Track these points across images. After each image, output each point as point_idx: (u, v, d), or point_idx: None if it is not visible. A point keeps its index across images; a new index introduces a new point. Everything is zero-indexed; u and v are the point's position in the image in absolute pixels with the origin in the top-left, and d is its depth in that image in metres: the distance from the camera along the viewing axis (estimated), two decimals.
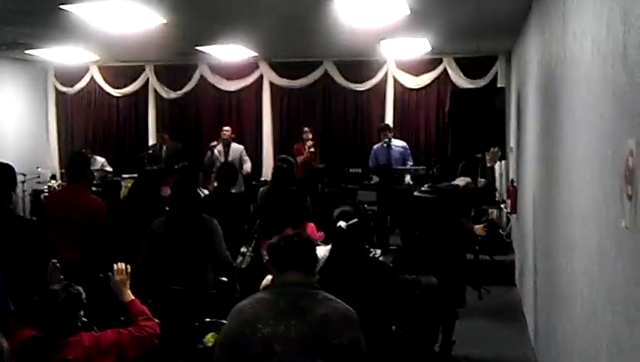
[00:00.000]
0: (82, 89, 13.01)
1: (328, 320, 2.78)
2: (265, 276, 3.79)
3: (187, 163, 10.73)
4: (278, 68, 12.17)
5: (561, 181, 4.18)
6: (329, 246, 3.79)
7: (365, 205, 4.45)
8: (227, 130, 11.02)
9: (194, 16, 7.62)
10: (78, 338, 3.19)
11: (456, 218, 6.14)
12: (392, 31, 8.43)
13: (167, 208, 5.62)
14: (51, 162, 12.82)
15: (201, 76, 12.42)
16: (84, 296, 3.25)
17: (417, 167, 10.07)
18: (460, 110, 9.16)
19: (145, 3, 6.57)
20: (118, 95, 12.94)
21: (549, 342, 4.78)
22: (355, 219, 3.68)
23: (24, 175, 10.19)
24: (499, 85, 10.86)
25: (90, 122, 13.19)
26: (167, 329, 3.77)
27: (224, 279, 5.31)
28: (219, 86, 12.46)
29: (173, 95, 12.68)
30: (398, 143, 10.57)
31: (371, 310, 3.35)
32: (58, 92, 13.17)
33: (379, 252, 4.93)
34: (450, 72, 11.40)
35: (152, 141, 12.40)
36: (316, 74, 12.01)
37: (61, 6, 6.69)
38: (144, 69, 12.66)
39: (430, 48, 9.98)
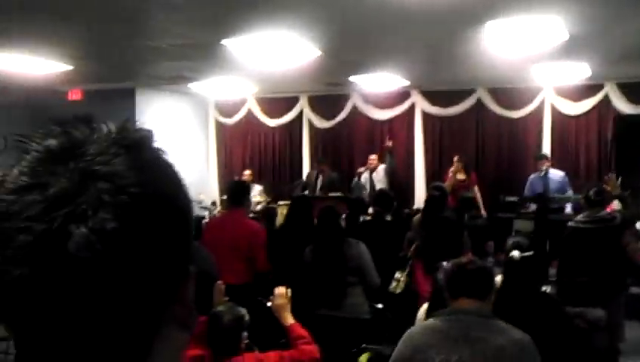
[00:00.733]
0: (240, 120, 13.55)
1: (504, 352, 2.69)
2: (417, 302, 3.75)
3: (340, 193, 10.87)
4: (430, 96, 12.10)
5: None
6: (498, 277, 3.69)
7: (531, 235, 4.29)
8: (373, 159, 11.14)
9: (348, 46, 7.76)
10: (241, 359, 3.27)
11: (616, 248, 5.80)
12: (548, 56, 8.17)
13: None
14: (211, 189, 13.38)
15: (354, 105, 12.58)
16: (247, 317, 3.34)
17: (578, 196, 9.62)
18: (625, 136, 8.70)
19: (302, 35, 6.76)
20: (274, 125, 13.36)
21: None
22: (531, 252, 3.55)
23: None
24: None
25: (247, 151, 13.70)
26: (325, 356, 3.79)
27: (379, 306, 5.30)
28: (371, 115, 12.57)
29: (326, 124, 12.92)
30: (556, 173, 10.17)
31: (541, 346, 3.21)
32: (218, 123, 13.80)
33: (549, 288, 4.75)
34: (612, 97, 10.84)
35: (306, 169, 12.70)
36: (469, 101, 11.83)
37: (222, 41, 7.03)
38: (298, 100, 13.01)
39: (590, 73, 9.58)
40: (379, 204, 6.71)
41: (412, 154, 12.43)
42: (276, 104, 13.26)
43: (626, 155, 8.50)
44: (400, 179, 12.01)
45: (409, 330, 2.94)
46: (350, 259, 5.23)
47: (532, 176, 10.32)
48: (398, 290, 5.55)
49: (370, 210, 7.78)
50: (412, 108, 12.32)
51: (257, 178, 12.55)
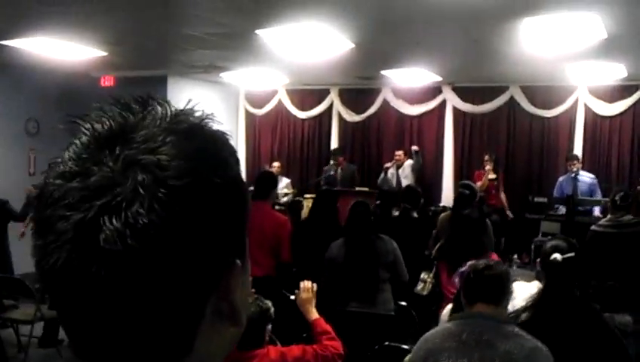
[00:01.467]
0: (270, 111, 13.56)
1: (511, 358, 2.66)
2: (442, 302, 3.72)
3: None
4: (462, 92, 11.99)
5: None
6: (534, 283, 3.63)
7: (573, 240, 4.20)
8: (399, 155, 11.12)
9: (381, 39, 7.72)
10: (265, 351, 3.27)
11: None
12: (584, 55, 8.06)
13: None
14: None
15: (384, 100, 12.52)
16: (272, 310, 3.34)
17: (608, 199, 9.50)
18: None
19: (336, 27, 6.73)
20: (304, 117, 13.35)
21: None
22: (572, 253, 3.48)
23: None
24: None
25: (276, 142, 13.71)
26: (348, 352, 3.77)
27: (403, 303, 5.28)
28: (401, 110, 12.50)
29: (356, 118, 12.88)
30: (586, 175, 10.06)
31: (582, 353, 3.16)
32: (248, 113, 13.83)
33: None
34: None
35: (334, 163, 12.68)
36: (501, 99, 11.70)
37: (256, 30, 7.03)
38: (329, 92, 12.98)
39: (626, 74, 9.43)
40: (406, 200, 6.67)
41: (441, 150, 12.33)
42: (307, 96, 13.25)
43: None
44: (428, 176, 11.95)
45: (425, 334, 2.94)
46: (383, 255, 5.21)
47: (562, 178, 10.22)
48: (425, 292, 5.52)
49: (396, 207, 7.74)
50: (443, 104, 12.23)
51: (285, 170, 12.55)
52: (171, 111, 0.72)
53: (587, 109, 11.22)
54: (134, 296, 0.64)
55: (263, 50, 8.09)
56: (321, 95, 13.06)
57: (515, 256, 9.63)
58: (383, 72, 10.25)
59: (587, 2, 5.52)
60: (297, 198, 10.55)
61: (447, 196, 11.81)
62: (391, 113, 12.65)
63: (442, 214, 6.77)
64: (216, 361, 0.76)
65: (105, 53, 8.78)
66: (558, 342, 2.82)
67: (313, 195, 9.17)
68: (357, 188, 10.53)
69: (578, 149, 11.09)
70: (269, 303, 3.36)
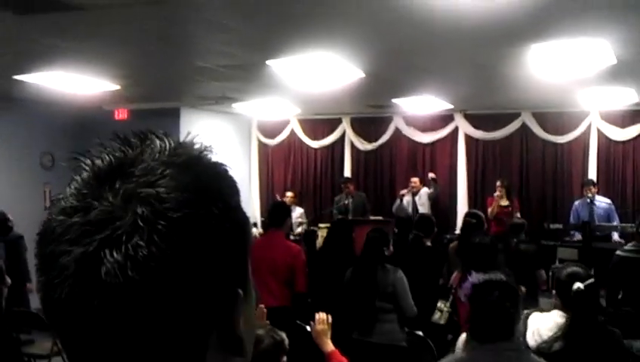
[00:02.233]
0: (283, 141, 13.61)
1: None
2: (459, 332, 3.68)
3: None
4: (474, 120, 12.00)
5: None
6: (555, 311, 3.57)
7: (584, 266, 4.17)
8: (415, 182, 11.10)
9: (391, 68, 7.76)
10: None
11: None
12: (594, 81, 8.06)
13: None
14: (253, 210, 13.42)
15: (396, 128, 12.54)
16: (287, 342, 3.32)
17: (625, 225, 9.44)
18: None
19: (346, 56, 6.78)
20: (316, 147, 13.38)
21: None
22: (592, 280, 3.45)
23: None
24: None
25: (289, 172, 13.73)
26: None
27: (419, 333, 5.23)
28: (413, 138, 12.51)
29: (368, 146, 12.90)
30: (602, 200, 10.01)
31: None
32: (260, 143, 13.88)
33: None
34: None
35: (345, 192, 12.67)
36: (513, 125, 11.70)
37: (267, 61, 7.08)
38: (341, 121, 13.02)
39: (638, 99, 9.41)
40: (419, 229, 6.65)
41: (454, 178, 12.31)
42: (319, 125, 13.30)
43: None
44: (441, 204, 11.92)
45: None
46: (383, 285, 5.18)
47: (577, 203, 10.15)
48: (442, 321, 5.47)
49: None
50: (455, 131, 12.23)
51: (299, 200, 12.55)
52: (170, 144, 0.73)
53: (600, 134, 11.19)
54: (137, 327, 0.65)
55: (274, 80, 8.14)
56: (332, 124, 13.11)
57: (523, 288, 9.52)
58: (394, 100, 10.28)
59: (594, 28, 5.53)
60: (312, 228, 10.54)
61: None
62: (403, 141, 12.67)
63: (451, 244, 6.74)
64: None
65: (118, 87, 8.86)
66: None
67: (327, 225, 9.17)
68: (371, 218, 10.49)
69: (592, 175, 11.04)
70: (284, 334, 3.34)
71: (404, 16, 5.27)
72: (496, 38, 6.03)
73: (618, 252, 6.12)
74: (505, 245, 6.63)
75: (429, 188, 11.24)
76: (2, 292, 4.59)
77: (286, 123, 13.34)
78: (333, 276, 5.81)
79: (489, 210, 10.23)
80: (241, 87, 9.22)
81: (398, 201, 11.01)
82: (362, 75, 7.67)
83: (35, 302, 7.34)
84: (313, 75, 7.58)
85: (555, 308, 3.62)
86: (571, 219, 10.10)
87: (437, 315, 5.47)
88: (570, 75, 7.60)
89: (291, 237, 8.84)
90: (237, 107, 11.25)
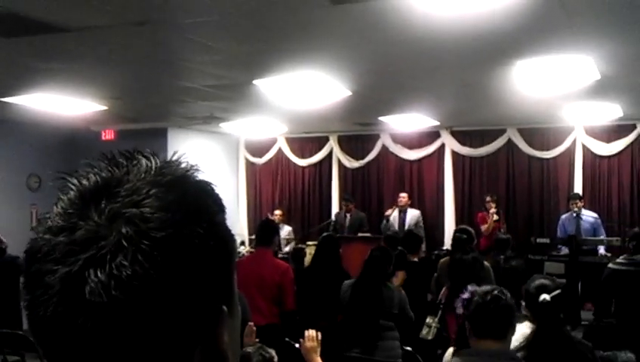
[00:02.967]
0: (270, 159, 13.64)
1: None
2: (448, 347, 3.70)
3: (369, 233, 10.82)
4: (460, 136, 12.08)
5: None
6: (525, 323, 3.62)
7: (554, 277, 4.25)
8: (403, 197, 11.14)
9: (378, 87, 7.81)
10: None
11: None
12: (579, 96, 8.14)
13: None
14: (241, 228, 13.40)
15: (383, 145, 12.60)
16: (276, 359, 3.32)
17: (611, 238, 9.50)
18: None
19: (333, 75, 6.82)
20: (304, 165, 13.41)
21: None
22: (558, 291, 3.50)
23: None
24: None
25: (276, 191, 13.74)
26: None
27: (408, 348, 5.25)
28: (400, 155, 12.57)
29: (355, 164, 12.94)
30: (588, 214, 10.07)
31: None
32: (248, 162, 13.89)
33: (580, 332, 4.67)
34: None
35: (335, 209, 12.69)
36: (499, 142, 11.79)
37: (254, 81, 7.12)
38: (328, 140, 13.07)
39: (622, 114, 9.51)
40: (404, 245, 6.68)
41: (442, 194, 12.36)
42: (306, 144, 13.34)
43: None
44: (429, 220, 11.95)
45: None
46: (389, 305, 5.20)
47: (564, 217, 10.22)
48: (430, 336, 5.49)
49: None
50: (442, 148, 12.30)
51: (287, 218, 12.56)
52: (156, 163, 0.74)
53: (585, 149, 11.29)
54: (121, 346, 0.65)
55: (262, 99, 8.18)
56: (320, 142, 13.15)
57: None
58: (380, 118, 10.34)
59: (577, 45, 5.61)
60: (300, 246, 10.54)
61: (450, 239, 11.78)
62: (390, 158, 12.72)
63: (442, 259, 6.77)
64: None
65: (105, 107, 8.87)
66: None
67: (316, 242, 9.20)
68: (360, 235, 10.51)
69: (578, 189, 11.11)
70: (273, 352, 3.35)
71: (390, 36, 5.32)
72: (482, 55, 6.09)
73: (610, 265, 6.18)
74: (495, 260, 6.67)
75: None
76: None
77: (273, 141, 13.37)
78: (322, 293, 5.81)
79: (484, 226, 10.29)
80: (228, 106, 9.25)
81: (384, 221, 11.05)
82: (349, 93, 7.71)
83: (26, 322, 7.30)
84: (300, 94, 7.62)
85: (526, 319, 3.67)
86: (558, 233, 10.15)
87: (425, 331, 5.49)
88: (554, 91, 7.67)
89: (279, 256, 8.83)
90: (224, 126, 11.27)
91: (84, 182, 0.72)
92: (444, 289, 6.07)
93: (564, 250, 9.62)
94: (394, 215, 11.01)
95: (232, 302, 0.77)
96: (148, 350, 0.66)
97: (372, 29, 5.17)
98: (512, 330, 2.95)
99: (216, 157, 13.08)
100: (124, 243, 0.66)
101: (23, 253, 0.73)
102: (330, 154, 13.17)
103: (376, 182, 12.98)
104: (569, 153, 11.40)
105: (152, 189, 0.70)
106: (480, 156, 12.05)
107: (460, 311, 3.09)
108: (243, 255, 11.03)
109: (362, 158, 12.85)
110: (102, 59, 6.23)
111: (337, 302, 5.48)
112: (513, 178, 11.95)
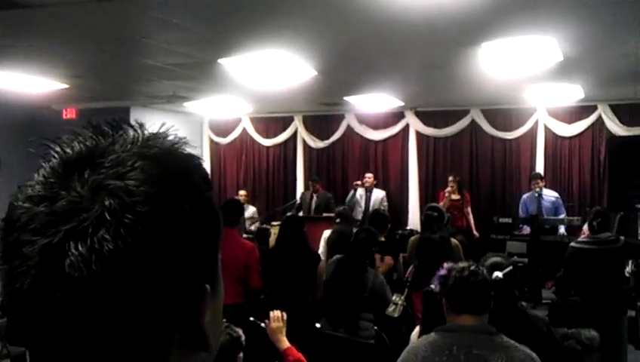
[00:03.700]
0: (235, 139, 13.57)
1: None
2: (414, 326, 3.74)
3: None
4: (424, 117, 12.14)
5: None
6: None
7: (515, 256, 4.32)
8: (369, 177, 11.17)
9: (344, 67, 7.80)
10: None
11: (617, 270, 5.85)
12: (542, 77, 8.23)
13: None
14: None
15: (348, 126, 12.62)
16: (243, 338, 3.32)
17: (572, 218, 9.67)
18: (618, 158, 8.73)
19: (299, 55, 6.79)
20: (269, 145, 13.37)
21: None
22: (510, 267, 3.57)
23: None
24: None
25: (241, 171, 13.70)
26: None
27: (374, 327, 5.29)
28: (365, 135, 12.60)
29: (320, 144, 12.95)
30: (549, 193, 10.22)
31: None
32: (212, 142, 13.81)
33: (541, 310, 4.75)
34: (605, 119, 10.89)
35: (300, 189, 12.70)
36: (463, 122, 11.88)
37: (219, 60, 7.05)
38: (293, 120, 13.04)
39: (583, 95, 9.64)
40: (372, 225, 6.71)
41: (406, 174, 12.43)
42: (271, 124, 13.29)
43: (618, 177, 8.50)
44: (393, 200, 12.01)
45: (411, 345, 2.94)
46: (370, 286, 5.23)
47: (525, 196, 10.35)
48: (396, 314, 5.52)
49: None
50: (406, 128, 12.35)
51: (252, 198, 12.52)
52: (143, 135, 0.71)
53: (547, 130, 11.43)
54: (100, 321, 0.63)
55: (227, 78, 8.11)
56: (285, 122, 13.12)
57: None
58: (346, 98, 10.33)
59: (542, 26, 5.66)
60: (264, 226, 10.52)
61: (414, 219, 11.90)
62: (355, 139, 12.74)
63: (412, 238, 6.82)
64: None
65: (66, 86, 8.72)
66: None
67: (279, 223, 9.18)
68: (324, 215, 10.52)
69: (540, 169, 11.25)
70: (240, 331, 3.34)
71: (356, 16, 5.31)
72: (449, 37, 6.11)
73: (573, 244, 6.27)
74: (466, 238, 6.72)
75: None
76: None
77: (238, 121, 13.30)
78: (288, 272, 5.82)
79: (440, 203, 10.35)
80: (192, 85, 9.16)
81: (352, 192, 11.04)
82: (315, 73, 7.69)
83: None
84: (266, 73, 7.57)
85: None
86: (520, 213, 10.28)
87: (391, 308, 5.51)
88: (518, 73, 7.74)
89: (244, 236, 8.81)
90: (188, 106, 11.16)
91: (68, 150, 0.69)
92: (410, 267, 6.11)
93: (526, 229, 9.76)
94: (360, 192, 11.04)
95: (216, 280, 0.76)
96: (127, 327, 0.65)
97: (338, 9, 5.15)
98: (489, 305, 2.98)
99: (180, 136, 12.93)
100: (107, 216, 0.63)
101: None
102: (295, 135, 13.14)
103: (341, 163, 13.00)
104: (531, 134, 11.53)
105: (137, 161, 0.67)
106: (444, 136, 12.13)
107: (437, 288, 3.12)
108: None
109: (327, 138, 12.85)
110: (63, 37, 6.11)
111: (307, 281, 5.49)
112: (476, 158, 12.06)
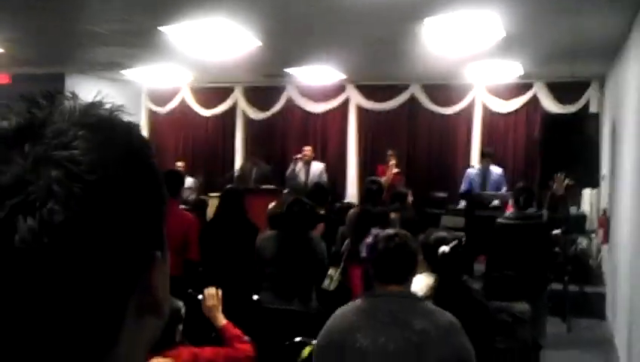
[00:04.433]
0: (173, 109, 13.37)
1: (428, 336, 2.74)
2: (350, 299, 3.78)
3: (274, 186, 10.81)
4: (365, 90, 12.20)
5: None
6: (424, 273, 3.74)
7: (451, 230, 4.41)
8: (308, 150, 11.17)
9: (287, 38, 7.75)
10: (177, 352, 3.23)
11: (541, 245, 6.04)
12: (483, 54, 8.34)
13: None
14: None
15: (289, 98, 12.58)
16: (183, 310, 3.30)
17: (505, 193, 9.87)
18: (551, 136, 8.92)
19: (242, 24, 6.71)
20: (208, 115, 13.23)
21: None
22: (455, 241, 3.64)
23: None
24: (591, 111, 10.57)
25: (179, 141, 13.54)
26: (259, 348, 3.78)
27: None
28: (306, 108, 12.59)
29: (261, 116, 12.87)
30: (496, 170, 10.36)
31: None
32: (150, 112, 13.59)
33: (476, 283, 4.87)
34: (541, 96, 11.15)
35: (239, 160, 12.62)
36: (402, 97, 11.98)
37: (160, 27, 6.91)
38: (233, 90, 12.92)
39: (522, 72, 9.82)
40: (312, 198, 6.72)
41: (345, 147, 12.51)
42: (210, 94, 13.14)
43: (551, 154, 8.69)
44: (332, 173, 12.06)
45: (340, 309, 2.98)
46: (318, 254, 5.24)
47: (471, 171, 10.36)
48: (332, 287, 5.56)
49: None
50: (346, 102, 12.40)
51: (190, 169, 12.40)
52: (80, 105, 0.70)
53: (484, 107, 11.63)
54: (53, 294, 0.63)
55: (167, 47, 7.96)
56: (225, 93, 12.99)
57: None
58: (287, 70, 10.28)
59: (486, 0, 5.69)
60: (202, 197, 10.44)
61: (352, 192, 12.00)
62: (295, 111, 12.73)
63: (350, 211, 6.85)
64: (140, 353, 0.75)
65: (0, 50, 8.43)
66: None
67: (218, 194, 9.12)
68: (262, 187, 10.50)
69: (476, 145, 11.48)
70: (180, 303, 3.33)
71: None
72: (391, 12, 6.13)
73: (499, 219, 6.42)
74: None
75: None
76: None
77: (177, 91, 13.10)
78: (227, 245, 5.79)
79: (383, 178, 10.43)
80: (131, 53, 8.97)
81: (292, 166, 11.02)
82: (258, 43, 7.61)
83: None
84: (208, 42, 7.45)
85: (422, 270, 3.81)
86: (462, 187, 10.35)
87: (327, 282, 5.55)
88: (460, 49, 7.82)
89: (181, 207, 8.72)
90: (127, 74, 10.93)
91: (4, 123, 0.67)
92: (347, 240, 6.16)
93: (463, 204, 9.92)
94: (299, 166, 11.04)
95: (164, 248, 0.75)
96: (81, 297, 0.64)
97: None
98: (414, 274, 3.04)
99: (117, 104, 12.68)
100: (55, 187, 0.62)
101: None
102: (234, 106, 13.04)
103: (281, 135, 12.98)
104: (469, 110, 11.72)
105: (79, 130, 0.66)
106: (384, 111, 12.21)
107: (364, 254, 3.16)
108: None
109: (268, 110, 12.78)
110: None
111: (247, 253, 5.44)
112: (415, 133, 12.21)
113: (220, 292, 3.87)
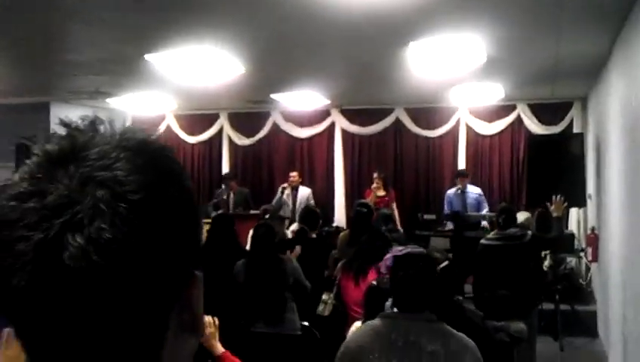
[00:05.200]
0: (159, 136, 13.27)
1: (438, 359, 2.74)
2: (346, 323, 3.78)
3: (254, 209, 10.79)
4: (350, 115, 12.26)
5: None
6: None
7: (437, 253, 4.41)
8: (294, 176, 11.20)
9: (272, 64, 7.78)
10: None
11: (526, 265, 6.08)
12: (466, 77, 8.42)
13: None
14: None
15: (274, 123, 12.60)
16: None
17: (492, 214, 9.91)
18: (536, 156, 9.01)
19: (226, 51, 6.73)
20: (193, 142, 13.22)
21: None
22: (446, 262, 3.66)
23: None
24: (575, 131, 10.68)
25: None
26: None
27: (305, 323, 5.32)
28: (291, 133, 12.62)
29: (246, 141, 12.88)
30: (473, 190, 10.45)
31: None
32: None
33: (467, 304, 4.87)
34: (524, 118, 11.27)
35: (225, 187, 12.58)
36: (387, 121, 12.05)
37: (145, 55, 6.92)
38: (218, 117, 12.93)
39: (504, 95, 9.91)
40: (304, 222, 6.74)
41: (332, 172, 12.53)
42: (196, 121, 13.14)
43: (536, 175, 8.77)
44: (319, 197, 12.06)
45: (357, 331, 3.00)
46: (288, 275, 5.28)
47: (450, 192, 10.52)
48: (327, 313, 5.53)
49: (294, 227, 7.79)
50: (332, 126, 12.45)
51: None
52: (118, 129, 0.74)
53: (469, 128, 11.72)
54: (100, 311, 0.65)
55: (153, 74, 7.96)
56: (210, 119, 13.00)
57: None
58: (272, 96, 10.31)
59: (470, 23, 5.75)
60: None
61: (340, 216, 11.99)
62: (281, 136, 12.75)
63: (341, 233, 6.87)
64: None
65: None
66: None
67: (208, 220, 9.06)
68: (251, 212, 10.49)
69: (462, 166, 11.53)
70: None
71: (283, 12, 5.29)
72: (374, 37, 6.17)
73: (482, 241, 6.45)
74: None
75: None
76: None
77: (162, 118, 13.08)
78: (219, 271, 5.75)
79: (367, 200, 10.43)
80: (116, 81, 8.95)
81: (279, 194, 11.01)
82: (242, 70, 7.64)
83: None
84: (193, 70, 7.47)
85: None
86: (445, 209, 10.47)
87: (321, 307, 5.53)
88: (444, 73, 7.88)
89: None
90: (111, 102, 10.91)
91: (49, 146, 0.70)
92: (339, 264, 6.14)
93: (450, 226, 9.95)
94: (287, 192, 11.04)
95: (200, 266, 0.78)
96: (126, 314, 0.66)
97: (266, 4, 5.12)
98: (432, 300, 3.05)
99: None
100: (102, 206, 0.65)
101: None
102: (220, 132, 13.05)
103: (267, 160, 12.99)
104: (453, 132, 11.80)
105: (121, 153, 0.69)
106: (369, 134, 12.27)
107: (384, 270, 3.17)
108: None
109: (253, 136, 12.79)
110: None
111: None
112: (401, 156, 12.26)
113: (216, 320, 3.85)
